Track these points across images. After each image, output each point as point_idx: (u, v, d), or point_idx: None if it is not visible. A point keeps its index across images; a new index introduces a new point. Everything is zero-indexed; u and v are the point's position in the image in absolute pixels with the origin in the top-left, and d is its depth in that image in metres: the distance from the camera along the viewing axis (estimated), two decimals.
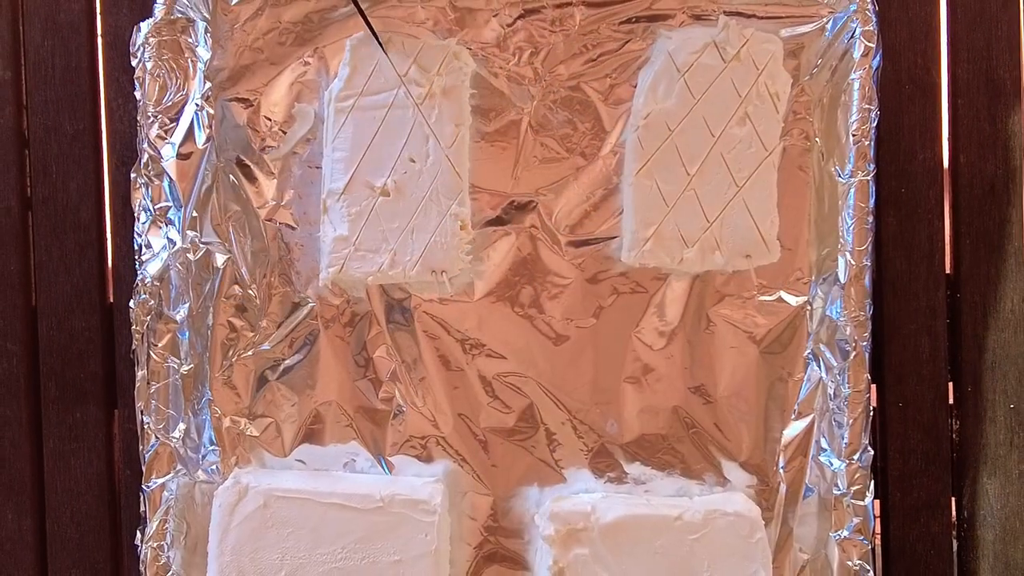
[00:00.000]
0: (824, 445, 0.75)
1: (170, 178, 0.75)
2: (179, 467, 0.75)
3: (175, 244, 0.75)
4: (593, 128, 0.77)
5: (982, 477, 0.79)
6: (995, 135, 0.79)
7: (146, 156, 0.75)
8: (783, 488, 0.76)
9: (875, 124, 0.74)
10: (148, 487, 0.75)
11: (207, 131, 0.76)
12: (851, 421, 0.74)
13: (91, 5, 0.80)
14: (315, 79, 0.77)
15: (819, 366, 0.76)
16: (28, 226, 0.80)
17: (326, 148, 0.76)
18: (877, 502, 0.77)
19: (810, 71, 0.76)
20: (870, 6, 0.74)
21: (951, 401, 0.79)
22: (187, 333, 0.75)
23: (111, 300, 0.80)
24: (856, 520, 0.74)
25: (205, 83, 0.76)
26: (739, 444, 0.77)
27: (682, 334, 0.77)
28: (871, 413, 0.75)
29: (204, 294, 0.76)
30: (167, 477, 0.75)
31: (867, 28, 0.74)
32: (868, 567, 0.74)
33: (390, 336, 0.77)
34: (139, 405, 0.75)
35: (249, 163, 0.77)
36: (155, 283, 0.75)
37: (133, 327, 0.75)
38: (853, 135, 0.74)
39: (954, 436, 0.79)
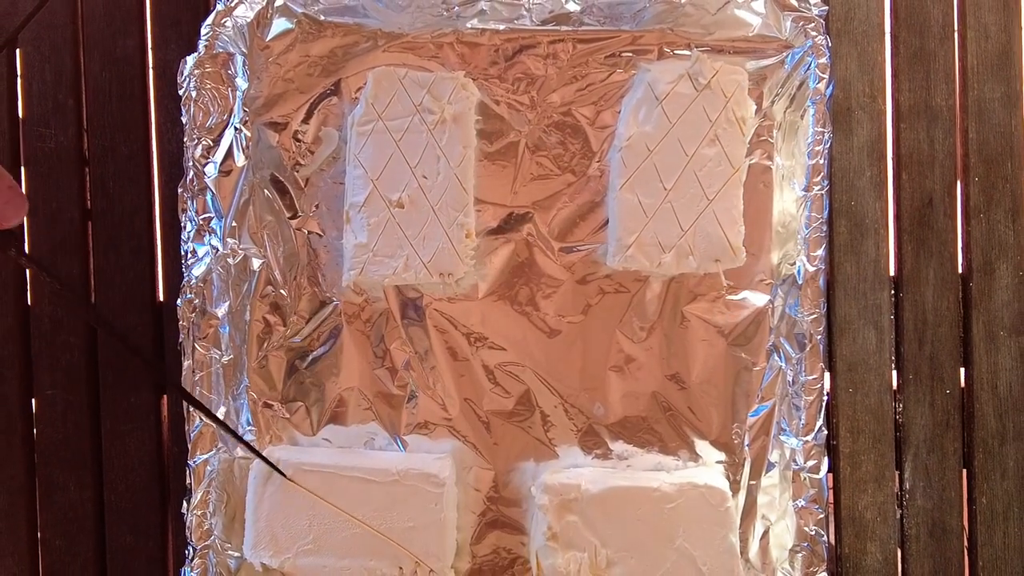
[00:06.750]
0: (784, 426, 0.76)
1: (212, 192, 0.76)
2: (220, 445, 0.76)
3: (217, 250, 0.76)
4: (582, 149, 0.77)
5: (922, 454, 0.79)
6: (933, 155, 0.79)
7: (191, 173, 0.75)
8: (748, 463, 0.77)
9: (828, 145, 0.75)
10: (193, 463, 0.75)
11: (245, 151, 0.76)
12: (807, 405, 0.75)
13: (143, 41, 0.80)
14: (339, 106, 0.77)
15: (780, 357, 0.76)
16: (88, 235, 0.80)
17: (349, 166, 0.75)
18: (830, 475, 0.77)
19: (772, 99, 0.77)
20: (824, 42, 0.75)
21: (895, 387, 0.79)
22: (227, 328, 0.76)
23: (161, 299, 0.80)
24: (812, 491, 0.75)
25: (243, 109, 0.76)
26: (710, 425, 0.77)
27: (660, 328, 0.77)
28: (825, 398, 0.75)
29: (242, 294, 0.77)
30: (210, 454, 0.75)
31: (821, 61, 0.75)
32: (822, 532, 0.75)
33: (405, 330, 0.77)
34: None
35: (282, 179, 0.77)
36: (199, 284, 0.75)
37: (180, 322, 0.75)
38: (809, 154, 0.75)
39: (898, 418, 0.79)
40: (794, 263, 0.76)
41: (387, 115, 0.75)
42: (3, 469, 0.79)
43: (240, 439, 0.69)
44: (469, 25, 0.77)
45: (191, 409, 0.75)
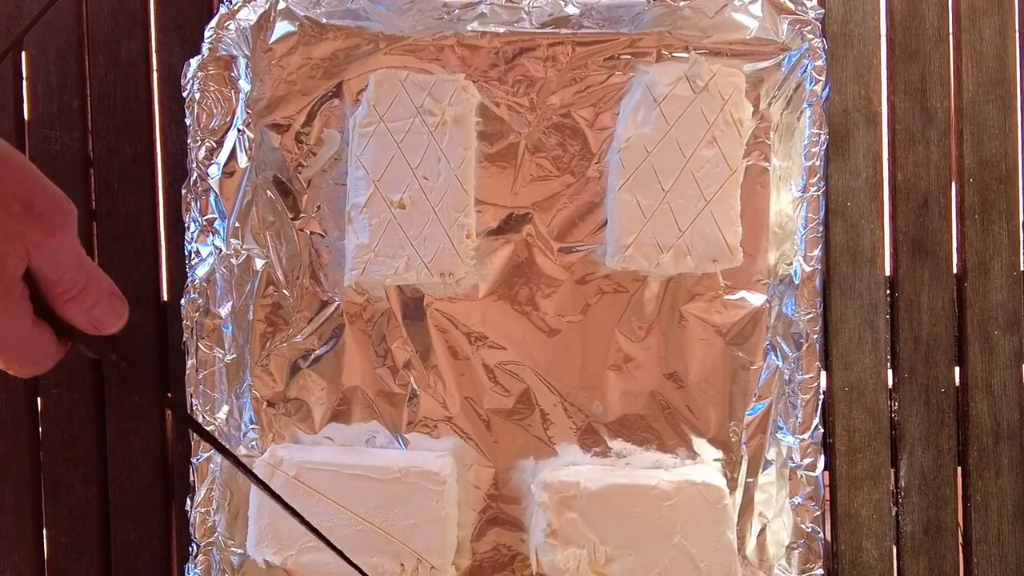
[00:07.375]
0: (781, 424, 0.76)
1: (216, 193, 0.76)
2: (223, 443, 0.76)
3: (220, 250, 0.76)
4: (581, 150, 0.77)
5: (917, 451, 0.79)
6: (928, 157, 0.79)
7: (195, 174, 0.76)
8: (745, 461, 0.77)
9: (824, 147, 0.75)
10: (196, 460, 0.76)
11: (248, 153, 0.76)
12: (804, 403, 0.75)
13: (147, 44, 0.80)
14: (341, 108, 0.77)
15: (776, 356, 0.77)
16: (93, 235, 0.80)
17: (350, 167, 0.76)
18: (826, 473, 0.77)
19: (769, 100, 0.77)
20: (820, 45, 0.75)
21: (890, 386, 0.79)
22: (230, 327, 0.76)
23: (165, 299, 0.80)
24: (808, 489, 0.75)
25: (246, 111, 0.76)
26: (707, 423, 0.77)
27: (658, 328, 0.77)
28: (821, 396, 0.76)
29: (245, 293, 0.77)
30: (212, 452, 0.75)
31: (818, 64, 0.75)
32: (818, 529, 0.75)
33: (406, 330, 0.77)
34: (189, 390, 0.76)
35: (284, 180, 0.77)
36: (203, 284, 0.75)
37: (184, 322, 0.76)
38: (806, 156, 0.75)
39: (893, 416, 0.79)
40: (791, 263, 0.76)
41: (388, 117, 0.75)
42: (10, 467, 0.79)
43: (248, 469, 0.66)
44: (469, 28, 0.77)
45: (194, 408, 0.76)
